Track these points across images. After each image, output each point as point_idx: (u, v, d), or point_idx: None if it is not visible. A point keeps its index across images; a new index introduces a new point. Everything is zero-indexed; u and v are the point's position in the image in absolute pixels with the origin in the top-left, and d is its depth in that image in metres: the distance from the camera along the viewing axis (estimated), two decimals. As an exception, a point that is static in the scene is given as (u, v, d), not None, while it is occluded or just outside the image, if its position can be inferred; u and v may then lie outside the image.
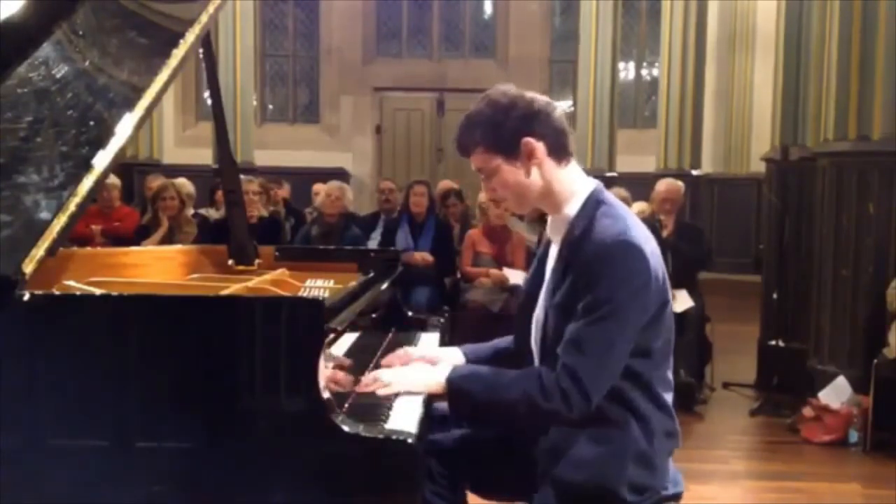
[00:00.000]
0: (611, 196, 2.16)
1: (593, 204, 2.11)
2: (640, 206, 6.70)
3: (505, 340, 2.44)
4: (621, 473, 2.06)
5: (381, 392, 2.15)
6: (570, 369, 1.99)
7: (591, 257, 2.02)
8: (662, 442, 2.12)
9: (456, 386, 2.12)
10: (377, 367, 2.45)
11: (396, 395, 2.22)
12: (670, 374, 2.17)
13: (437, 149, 13.09)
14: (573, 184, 2.14)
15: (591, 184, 2.16)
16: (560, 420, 2.03)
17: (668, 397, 2.15)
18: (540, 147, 2.09)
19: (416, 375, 2.21)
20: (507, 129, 2.08)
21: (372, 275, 3.02)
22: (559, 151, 2.12)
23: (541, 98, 2.14)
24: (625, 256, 2.00)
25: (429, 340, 2.95)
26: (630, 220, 2.10)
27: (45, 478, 1.87)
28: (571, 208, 2.12)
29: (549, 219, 2.22)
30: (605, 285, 1.98)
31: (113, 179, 6.89)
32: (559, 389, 1.98)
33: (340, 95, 13.44)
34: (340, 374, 2.15)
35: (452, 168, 11.83)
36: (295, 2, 13.74)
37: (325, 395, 1.88)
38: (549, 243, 2.27)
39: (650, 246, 2.07)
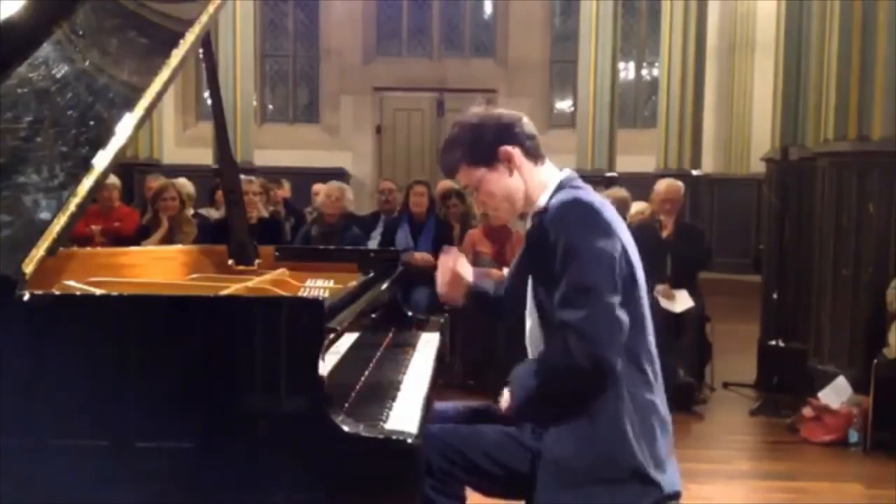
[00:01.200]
0: (581, 182, 2.31)
1: (561, 188, 2.27)
2: (640, 206, 6.69)
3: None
4: (613, 445, 2.11)
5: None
6: (566, 324, 2.09)
7: (548, 224, 2.17)
8: (648, 412, 2.17)
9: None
10: (378, 365, 2.47)
11: (398, 392, 2.23)
12: (647, 366, 2.20)
13: (437, 149, 13.04)
14: (547, 179, 2.33)
15: (563, 173, 2.33)
16: (580, 377, 2.09)
17: (650, 370, 2.20)
18: (517, 152, 2.29)
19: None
20: (484, 143, 2.29)
21: (372, 275, 3.02)
22: (533, 153, 2.32)
23: (507, 112, 2.36)
24: (576, 209, 2.15)
25: (429, 340, 2.95)
26: (594, 196, 2.23)
27: (45, 478, 1.86)
28: (543, 198, 2.30)
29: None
30: (564, 238, 2.12)
31: (113, 179, 6.88)
32: (564, 348, 2.08)
33: (340, 95, 13.44)
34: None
35: (452, 168, 11.78)
36: (295, 2, 13.73)
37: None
38: None
39: (612, 217, 2.17)
